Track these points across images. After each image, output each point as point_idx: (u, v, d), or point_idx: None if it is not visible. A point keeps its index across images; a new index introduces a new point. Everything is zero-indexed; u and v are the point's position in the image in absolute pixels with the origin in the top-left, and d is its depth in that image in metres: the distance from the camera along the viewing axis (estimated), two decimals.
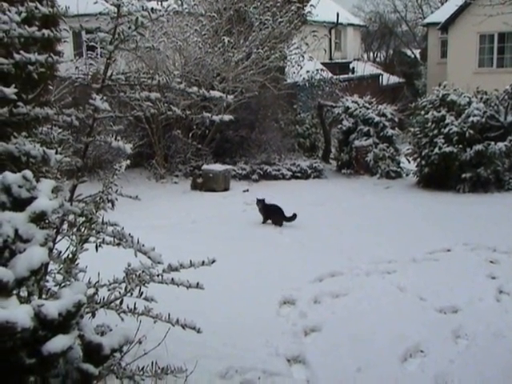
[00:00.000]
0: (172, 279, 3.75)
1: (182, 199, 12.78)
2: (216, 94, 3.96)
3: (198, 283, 3.76)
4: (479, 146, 12.24)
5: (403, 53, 37.99)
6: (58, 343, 2.64)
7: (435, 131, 12.80)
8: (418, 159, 13.38)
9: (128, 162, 4.27)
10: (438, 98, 13.38)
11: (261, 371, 4.61)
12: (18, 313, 2.46)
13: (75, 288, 2.90)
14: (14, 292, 2.70)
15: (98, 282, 3.89)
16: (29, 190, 2.80)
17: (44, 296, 3.31)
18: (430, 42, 30.34)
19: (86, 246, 3.73)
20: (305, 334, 5.42)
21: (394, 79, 29.63)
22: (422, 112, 13.51)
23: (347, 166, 15.45)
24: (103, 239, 3.77)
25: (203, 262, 3.74)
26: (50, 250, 3.30)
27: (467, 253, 8.10)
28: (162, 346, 4.18)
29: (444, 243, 8.48)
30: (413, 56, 37.44)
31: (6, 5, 3.38)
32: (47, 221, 3.24)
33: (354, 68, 28.39)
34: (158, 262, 3.60)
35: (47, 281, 3.61)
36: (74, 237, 3.66)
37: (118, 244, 3.70)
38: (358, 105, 15.55)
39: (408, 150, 14.01)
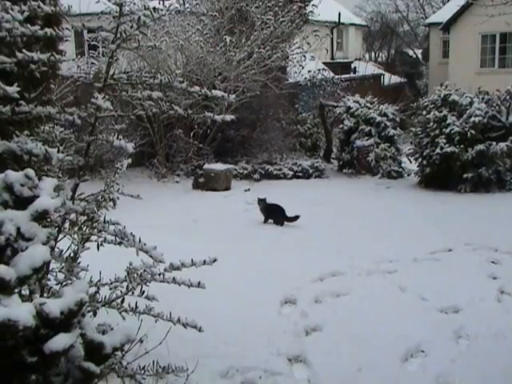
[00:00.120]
0: (173, 278, 3.76)
1: (184, 198, 12.77)
2: (218, 93, 3.97)
3: (199, 282, 3.77)
4: (481, 146, 12.23)
5: (405, 53, 37.96)
6: (59, 342, 2.65)
7: (437, 131, 12.79)
8: (420, 159, 13.36)
9: (129, 160, 4.28)
10: (440, 98, 13.36)
11: (262, 371, 4.61)
12: (20, 311, 2.47)
13: (77, 287, 2.91)
14: (16, 290, 2.71)
15: (99, 280, 3.90)
16: (31, 188, 2.81)
17: (45, 295, 3.32)
18: (432, 42, 30.31)
19: (87, 244, 3.74)
20: (306, 334, 5.41)
21: (396, 79, 29.57)
22: (424, 112, 13.49)
23: (349, 165, 15.44)
24: (105, 238, 3.78)
25: (204, 262, 3.74)
26: (52, 248, 3.31)
27: (468, 253, 8.09)
28: (163, 344, 4.18)
29: (445, 243, 8.48)
30: (414, 56, 37.40)
31: (8, 3, 3.38)
32: (49, 219, 3.24)
33: (355, 68, 28.36)
34: (160, 261, 3.61)
35: (49, 279, 3.62)
36: (75, 235, 3.67)
37: (120, 243, 3.71)
38: (360, 105, 15.53)
39: (409, 149, 13.99)
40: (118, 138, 3.72)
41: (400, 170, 14.87)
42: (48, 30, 3.44)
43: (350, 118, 15.43)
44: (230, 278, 6.48)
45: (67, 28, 3.78)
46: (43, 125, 4.12)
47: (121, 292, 3.81)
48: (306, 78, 18.52)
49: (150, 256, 3.61)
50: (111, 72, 3.82)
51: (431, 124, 12.95)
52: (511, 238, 8.62)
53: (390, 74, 29.65)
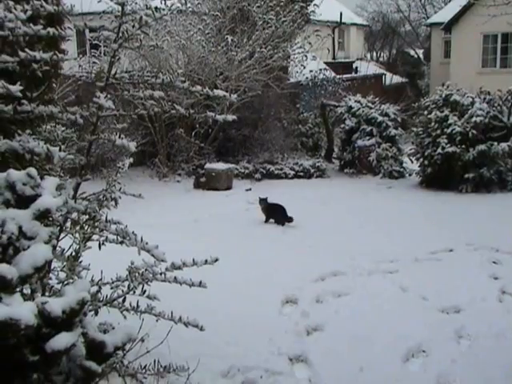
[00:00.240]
0: (175, 277, 3.76)
1: (185, 198, 12.78)
2: (219, 92, 3.97)
3: (200, 282, 3.77)
4: (482, 146, 12.22)
5: (406, 53, 37.94)
6: (61, 340, 2.65)
7: (438, 131, 12.78)
8: (421, 159, 13.36)
9: (131, 160, 4.29)
10: (441, 98, 13.36)
11: (263, 370, 4.61)
12: (22, 310, 2.47)
13: (79, 286, 2.91)
14: (18, 289, 2.71)
15: (100, 279, 3.90)
16: (33, 187, 2.82)
17: (47, 293, 3.32)
18: (434, 41, 30.28)
19: (89, 243, 3.74)
20: (307, 334, 5.41)
21: (397, 79, 29.56)
22: (425, 112, 13.49)
23: (350, 165, 15.44)
24: (106, 237, 3.78)
25: (206, 261, 3.75)
26: (54, 247, 3.31)
27: (470, 253, 8.09)
28: (165, 344, 4.18)
29: (446, 243, 8.47)
30: (416, 56, 37.38)
31: (11, 3, 3.38)
32: (51, 218, 3.25)
33: (357, 67, 28.34)
34: (162, 260, 3.61)
35: (50, 278, 3.62)
36: (77, 234, 3.67)
37: (121, 242, 3.71)
38: (361, 104, 15.53)
39: (411, 149, 13.99)
40: (119, 137, 3.72)
41: (401, 169, 14.87)
42: (50, 30, 3.45)
43: (352, 117, 15.43)
44: (231, 277, 6.48)
45: (69, 27, 3.78)
46: (45, 124, 4.12)
47: (122, 291, 3.81)
48: (307, 78, 18.51)
49: (152, 255, 3.61)
50: (113, 71, 3.82)
51: (433, 124, 12.95)
52: None
53: (392, 73, 29.64)
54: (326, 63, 22.32)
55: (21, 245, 2.71)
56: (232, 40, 14.16)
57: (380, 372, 4.71)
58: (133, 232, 3.73)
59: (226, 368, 4.59)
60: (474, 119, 12.43)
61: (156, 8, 3.74)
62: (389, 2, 42.49)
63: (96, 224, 3.71)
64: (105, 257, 3.94)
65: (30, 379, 2.75)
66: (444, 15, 26.93)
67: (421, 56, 37.74)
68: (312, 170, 15.06)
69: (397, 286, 6.64)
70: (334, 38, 27.76)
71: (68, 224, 3.71)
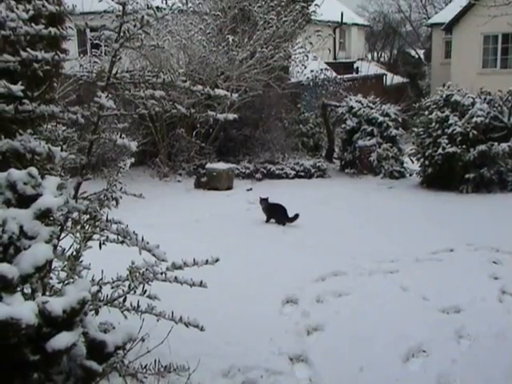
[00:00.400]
0: (175, 277, 3.76)
1: (186, 198, 12.79)
2: (220, 92, 3.97)
3: (201, 281, 3.77)
4: (483, 147, 12.23)
5: (407, 53, 37.93)
6: (61, 340, 2.65)
7: (439, 131, 12.79)
8: (422, 159, 13.37)
9: (132, 160, 4.29)
10: (442, 98, 13.37)
11: (263, 370, 4.61)
12: (23, 309, 2.47)
13: (79, 285, 2.91)
14: (19, 289, 2.72)
15: (101, 279, 3.91)
16: (34, 187, 2.82)
17: (48, 293, 3.32)
18: (434, 42, 30.28)
19: (89, 243, 3.74)
20: (307, 333, 5.41)
21: (398, 79, 29.56)
22: (426, 112, 13.50)
23: (351, 165, 15.44)
24: (107, 237, 3.78)
25: (207, 261, 3.74)
26: (55, 247, 3.31)
27: (470, 253, 8.09)
28: (165, 344, 4.18)
29: (447, 243, 8.48)
30: (417, 56, 37.38)
31: (13, 2, 3.39)
32: (52, 218, 3.25)
33: (358, 68, 28.35)
34: (163, 260, 3.61)
35: (51, 278, 3.62)
36: (78, 234, 3.67)
37: (122, 242, 3.71)
38: (362, 104, 15.54)
39: (411, 150, 13.99)
40: (120, 136, 3.72)
41: (402, 170, 14.88)
42: (52, 29, 3.45)
43: (353, 117, 15.43)
44: (231, 277, 6.47)
45: (70, 27, 3.78)
46: (46, 123, 4.12)
47: (123, 291, 3.81)
48: (308, 78, 18.51)
49: (153, 255, 3.61)
50: (114, 71, 3.82)
51: (433, 124, 12.95)
52: None
53: (393, 74, 29.65)
54: (326, 63, 22.32)
55: (22, 244, 2.71)
56: (233, 40, 14.16)
57: (380, 372, 4.71)
58: (133, 232, 3.74)
59: (226, 368, 4.59)
60: (474, 119, 12.43)
61: (157, 8, 3.75)
62: (390, 2, 42.57)
63: (97, 224, 3.71)
64: (105, 256, 3.94)
65: (30, 379, 2.75)
66: (445, 16, 26.91)
67: (422, 56, 37.74)
68: (313, 170, 15.07)
69: (397, 286, 6.64)
70: (334, 38, 27.78)
71: (69, 223, 3.71)
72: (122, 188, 3.97)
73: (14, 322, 2.41)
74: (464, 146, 12.42)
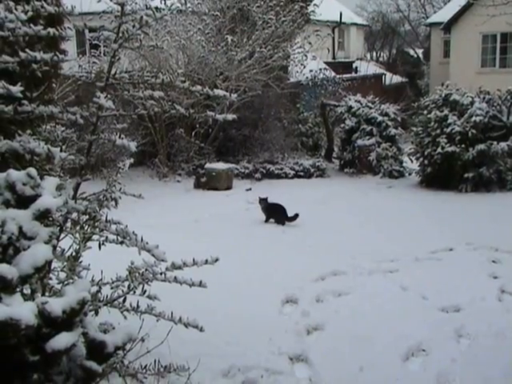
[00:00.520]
0: (175, 277, 3.76)
1: (185, 198, 12.79)
2: (220, 92, 3.97)
3: (200, 281, 3.77)
4: (482, 146, 12.23)
5: (406, 52, 37.93)
6: (61, 340, 2.65)
7: (438, 131, 12.80)
8: (421, 159, 13.38)
9: (131, 160, 4.29)
10: (441, 97, 13.37)
11: (263, 370, 4.61)
12: (22, 310, 2.47)
13: (79, 286, 2.91)
14: (18, 289, 2.72)
15: (101, 279, 3.90)
16: (33, 187, 2.82)
17: (47, 294, 3.32)
18: (433, 41, 30.28)
19: (89, 243, 3.74)
20: (307, 333, 5.41)
21: (397, 79, 29.57)
22: (425, 111, 13.51)
23: (350, 165, 15.46)
24: (106, 237, 3.78)
25: (206, 261, 3.74)
26: (54, 247, 3.31)
27: (469, 252, 8.09)
28: (165, 344, 4.18)
29: (446, 242, 8.49)
30: (416, 56, 37.37)
31: (12, 3, 3.39)
32: (51, 218, 3.25)
33: (357, 67, 28.34)
34: (162, 260, 3.61)
35: (50, 278, 3.62)
36: (77, 235, 3.67)
37: (122, 242, 3.71)
38: (361, 104, 15.54)
39: (410, 149, 14.00)
40: (120, 137, 3.72)
41: (401, 169, 14.89)
42: (51, 30, 3.45)
43: (352, 117, 15.45)
44: (231, 277, 6.48)
45: (69, 27, 3.78)
46: (45, 124, 4.12)
47: (122, 291, 3.81)
48: (307, 78, 18.52)
49: (152, 255, 3.61)
50: (113, 71, 3.82)
51: (432, 123, 12.96)
52: None
53: (392, 73, 29.65)
54: (325, 63, 22.32)
55: (21, 245, 2.71)
56: (232, 40, 14.16)
57: (380, 371, 4.71)
58: (133, 232, 3.73)
59: (226, 368, 4.59)
60: (473, 119, 12.44)
61: (156, 8, 3.75)
62: (388, 1, 42.56)
63: (96, 224, 3.71)
64: (105, 257, 3.94)
65: (30, 379, 2.75)
66: (443, 15, 26.93)
67: (420, 56, 37.73)
68: (312, 170, 15.08)
69: (397, 286, 6.64)
70: (333, 38, 27.76)
71: (68, 224, 3.71)
72: (121, 188, 3.97)
73: (13, 323, 2.41)
74: (463, 146, 12.43)
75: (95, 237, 3.76)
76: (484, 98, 13.10)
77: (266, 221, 10.07)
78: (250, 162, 15.37)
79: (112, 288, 3.85)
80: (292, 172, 14.94)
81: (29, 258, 2.65)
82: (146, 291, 3.78)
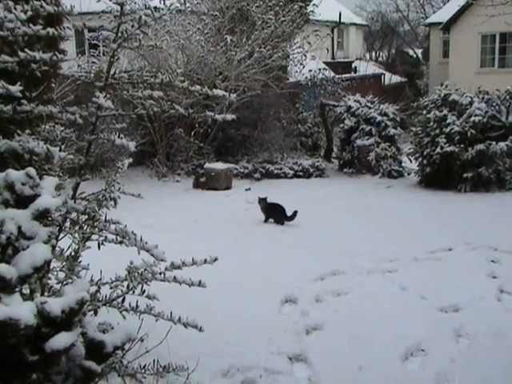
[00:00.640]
0: (174, 277, 3.76)
1: (184, 198, 12.78)
2: (219, 92, 3.97)
3: (200, 281, 3.77)
4: (481, 146, 12.24)
5: (405, 52, 37.94)
6: (60, 340, 2.65)
7: (437, 131, 12.80)
8: (420, 159, 13.38)
9: (130, 160, 4.29)
10: (440, 97, 13.38)
11: (262, 369, 4.61)
12: (22, 310, 2.47)
13: (78, 286, 2.91)
14: (17, 289, 2.71)
15: (100, 279, 3.90)
16: (32, 187, 2.81)
17: (46, 294, 3.32)
18: (432, 41, 30.30)
19: (88, 243, 3.74)
20: (306, 333, 5.41)
21: (396, 79, 29.57)
22: (424, 111, 13.51)
23: (349, 165, 15.46)
24: (105, 237, 3.78)
25: (205, 261, 3.74)
26: (53, 247, 3.31)
27: (468, 252, 8.10)
28: (164, 344, 4.18)
29: (445, 242, 8.49)
30: (415, 56, 37.37)
31: (11, 3, 3.38)
32: (50, 218, 3.25)
33: (356, 67, 28.35)
34: (161, 260, 3.61)
35: (49, 278, 3.62)
36: (76, 234, 3.67)
37: (121, 242, 3.71)
38: (360, 104, 15.54)
39: (410, 149, 14.00)
40: (119, 136, 3.72)
41: (400, 169, 14.90)
42: (50, 30, 3.45)
43: (351, 117, 15.44)
44: (230, 277, 6.48)
45: (68, 27, 3.78)
46: (44, 124, 4.12)
47: (121, 291, 3.81)
48: (306, 78, 18.53)
49: (152, 255, 3.61)
50: (112, 71, 3.82)
51: (431, 123, 12.97)
52: (511, 238, 8.63)
53: (391, 73, 29.66)
54: (325, 63, 22.33)
55: (20, 245, 2.71)
56: (231, 40, 14.16)
57: (379, 371, 4.72)
58: (132, 232, 3.73)
59: (225, 367, 4.59)
60: (472, 119, 12.45)
61: (155, 8, 3.76)
62: (388, 1, 42.60)
63: (95, 224, 3.71)
64: (104, 257, 3.94)
65: (29, 379, 2.75)
66: (442, 15, 26.94)
67: (420, 56, 37.74)
68: (311, 170, 15.08)
69: (396, 286, 6.64)
70: (333, 38, 27.75)
71: (67, 224, 3.71)
72: (120, 188, 3.97)
73: (12, 323, 2.41)
74: (462, 146, 12.43)
75: (94, 236, 3.76)
76: (483, 98, 13.11)
77: (266, 221, 10.07)
78: (250, 161, 15.37)
79: (111, 288, 3.85)
80: (291, 172, 14.94)
81: (28, 258, 2.65)
82: (145, 291, 3.78)
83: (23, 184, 2.80)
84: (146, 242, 3.66)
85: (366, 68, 27.31)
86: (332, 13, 28.38)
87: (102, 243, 3.80)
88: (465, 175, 12.40)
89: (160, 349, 4.18)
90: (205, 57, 14.21)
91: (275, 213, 10.02)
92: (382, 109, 15.34)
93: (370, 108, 15.38)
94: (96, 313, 3.73)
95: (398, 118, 15.54)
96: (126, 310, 3.82)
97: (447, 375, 4.62)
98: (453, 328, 5.44)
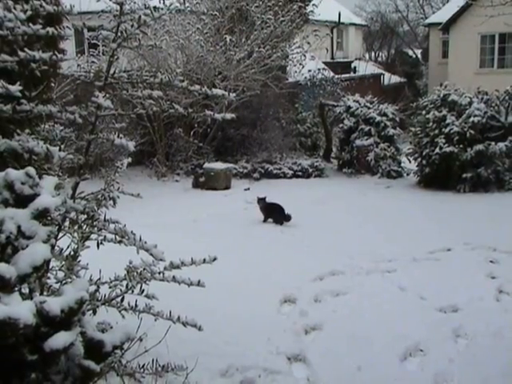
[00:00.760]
0: (173, 277, 3.76)
1: (184, 197, 12.78)
2: (218, 91, 3.97)
3: (199, 281, 3.77)
4: (480, 146, 12.25)
5: (405, 53, 37.95)
6: (59, 340, 2.65)
7: (436, 131, 12.81)
8: (419, 159, 13.38)
9: (129, 159, 4.29)
10: (439, 97, 13.38)
11: (261, 369, 4.62)
12: (21, 309, 2.47)
13: (77, 285, 2.91)
14: (16, 288, 2.72)
15: (99, 279, 3.90)
16: (32, 186, 2.81)
17: (45, 293, 3.32)
18: (432, 42, 30.31)
19: (87, 243, 3.74)
20: (305, 333, 5.42)
21: (396, 79, 29.60)
22: (423, 112, 13.51)
23: (348, 165, 15.45)
24: (105, 236, 3.78)
25: (204, 260, 3.74)
26: (52, 246, 3.31)
27: (467, 252, 8.10)
28: (163, 343, 4.19)
29: (444, 243, 8.49)
30: (414, 56, 37.39)
31: (11, 2, 3.39)
32: (49, 218, 3.25)
33: (355, 67, 28.37)
34: (160, 259, 3.60)
35: (49, 278, 3.62)
36: (75, 234, 3.67)
37: (120, 241, 3.71)
38: (360, 104, 15.54)
39: (409, 149, 14.01)
40: (118, 136, 3.72)
41: (399, 169, 14.90)
42: (50, 29, 3.45)
43: (350, 117, 15.44)
44: (229, 276, 6.48)
45: (68, 27, 3.78)
46: (44, 123, 4.12)
47: (120, 290, 3.81)
48: (306, 78, 18.53)
49: (151, 254, 3.61)
50: (112, 71, 3.82)
51: (430, 124, 12.97)
52: (510, 238, 8.64)
53: (390, 73, 29.68)
54: (324, 63, 22.33)
55: (19, 244, 2.71)
56: (230, 40, 14.16)
57: (378, 371, 4.72)
58: (131, 231, 3.73)
59: (224, 367, 4.60)
60: (471, 119, 12.46)
61: (155, 7, 3.76)
62: (387, 2, 42.62)
63: (94, 223, 3.71)
64: (103, 256, 3.94)
65: (28, 378, 2.75)
66: (442, 15, 26.96)
67: (419, 56, 37.75)
68: (310, 170, 15.07)
69: (395, 286, 6.65)
70: (332, 38, 27.78)
71: (66, 223, 3.70)
72: (119, 188, 3.97)
73: (12, 322, 2.41)
74: (461, 146, 12.44)
75: (93, 236, 3.76)
76: (482, 99, 13.11)
77: (265, 221, 10.07)
78: (249, 161, 15.37)
79: (110, 287, 3.85)
80: (290, 172, 14.94)
81: (27, 258, 2.65)
82: (144, 290, 3.78)
83: (23, 183, 2.80)
84: (145, 242, 3.66)
85: (365, 68, 27.32)
86: (331, 13, 28.39)
87: (101, 243, 3.80)
88: (464, 175, 12.41)
89: (159, 348, 4.18)
90: (204, 56, 14.21)
91: (274, 213, 10.02)
92: (382, 109, 15.34)
93: (369, 108, 15.38)
94: (95, 312, 3.73)
95: (397, 119, 15.55)
96: (125, 309, 3.82)
97: (446, 375, 4.62)
98: (451, 328, 5.45)
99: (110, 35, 3.70)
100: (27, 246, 2.72)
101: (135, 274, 3.74)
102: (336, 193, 12.94)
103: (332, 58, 29.07)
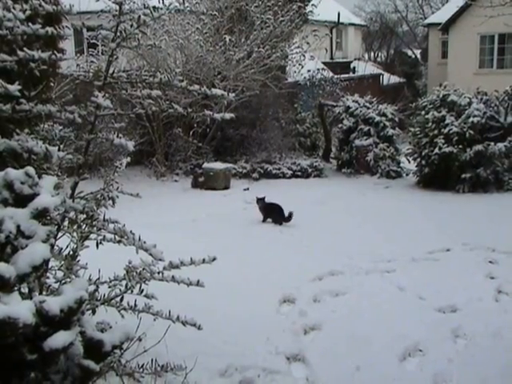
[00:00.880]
0: (172, 277, 3.75)
1: (183, 197, 12.78)
2: (217, 91, 3.97)
3: (198, 281, 3.76)
4: (479, 147, 12.25)
5: (404, 53, 37.96)
6: (59, 339, 2.65)
7: (435, 131, 12.81)
8: (418, 159, 13.39)
9: (128, 159, 4.29)
10: (439, 98, 13.38)
11: (260, 369, 4.62)
12: (20, 309, 2.47)
13: (76, 285, 2.91)
14: (16, 288, 2.72)
15: (98, 278, 3.90)
16: (31, 186, 2.81)
17: (44, 292, 3.32)
18: (431, 42, 30.34)
19: (86, 242, 3.74)
20: (304, 333, 5.42)
21: (395, 79, 29.61)
22: (423, 112, 13.51)
23: (347, 165, 15.46)
24: (104, 236, 3.78)
25: (204, 260, 3.74)
26: (52, 246, 3.31)
27: (466, 253, 8.11)
28: (162, 343, 4.19)
29: (443, 243, 8.49)
30: (413, 56, 37.41)
31: (10, 2, 3.38)
32: (49, 217, 3.25)
33: (354, 67, 28.38)
34: (160, 259, 3.60)
35: (48, 277, 3.62)
36: (75, 234, 3.67)
37: (119, 241, 3.71)
38: (359, 104, 15.55)
39: (408, 149, 14.01)
40: (117, 136, 3.72)
41: (399, 169, 14.90)
42: (49, 29, 3.45)
43: (349, 117, 15.45)
44: (228, 276, 6.48)
45: (67, 26, 3.78)
46: (43, 123, 4.12)
47: (120, 290, 3.81)
48: (305, 78, 18.52)
49: (150, 254, 3.61)
50: (111, 70, 3.82)
51: (430, 124, 12.97)
52: (509, 238, 8.65)
53: (389, 73, 29.69)
54: (323, 63, 22.33)
55: (19, 244, 2.71)
56: (230, 40, 14.15)
57: (377, 371, 4.72)
58: (130, 231, 3.73)
59: (223, 367, 4.60)
60: (471, 119, 12.46)
61: (154, 7, 3.76)
62: (386, 2, 42.64)
63: (94, 223, 3.71)
64: (102, 256, 3.94)
65: (27, 378, 2.75)
66: (441, 16, 26.97)
67: (418, 56, 37.78)
68: (310, 170, 15.08)
69: (394, 286, 6.65)
70: (331, 38, 27.79)
71: (66, 223, 3.70)
72: (118, 187, 3.97)
73: (11, 322, 2.41)
74: (460, 146, 12.44)
75: (93, 236, 3.76)
76: (481, 99, 13.12)
77: (264, 221, 10.08)
78: (248, 161, 15.37)
79: (109, 287, 3.85)
80: (290, 172, 14.94)
81: (26, 257, 2.65)
82: (143, 290, 3.78)
83: (22, 183, 2.80)
84: (145, 242, 3.66)
85: (364, 68, 27.34)
86: (331, 13, 28.41)
87: (101, 242, 3.80)
88: (463, 176, 12.42)
89: (158, 348, 4.18)
90: (203, 56, 14.20)
91: (273, 213, 10.02)
92: (381, 109, 15.35)
93: (368, 108, 15.39)
94: (94, 312, 3.73)
95: (396, 119, 15.56)
96: (125, 309, 3.81)
97: (445, 375, 4.63)
98: (450, 328, 5.45)
99: (110, 35, 3.70)
100: (26, 245, 2.71)
101: (134, 273, 3.74)
102: (335, 193, 12.94)
103: (331, 58, 29.08)
